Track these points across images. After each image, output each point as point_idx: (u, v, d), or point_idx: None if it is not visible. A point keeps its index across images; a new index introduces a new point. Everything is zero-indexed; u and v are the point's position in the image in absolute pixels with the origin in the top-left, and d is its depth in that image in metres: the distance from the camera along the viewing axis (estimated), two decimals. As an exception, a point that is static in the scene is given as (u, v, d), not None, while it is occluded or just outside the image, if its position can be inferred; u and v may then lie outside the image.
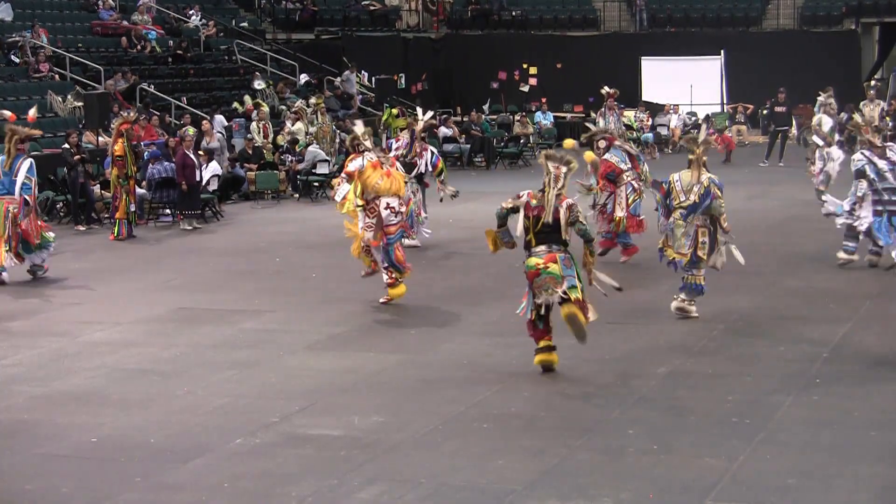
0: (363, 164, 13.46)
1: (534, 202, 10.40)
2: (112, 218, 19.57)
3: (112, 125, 21.23)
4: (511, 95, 37.84)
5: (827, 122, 21.85)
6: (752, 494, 7.63)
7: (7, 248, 15.39)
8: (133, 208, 19.39)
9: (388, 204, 13.33)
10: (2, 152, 15.93)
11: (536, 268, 10.34)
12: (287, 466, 8.25)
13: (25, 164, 15.65)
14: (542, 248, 10.37)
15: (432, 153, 17.86)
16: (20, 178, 15.52)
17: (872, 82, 32.30)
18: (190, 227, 20.10)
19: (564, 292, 10.30)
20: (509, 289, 11.79)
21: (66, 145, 21.14)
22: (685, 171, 12.56)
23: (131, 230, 19.29)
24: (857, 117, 17.40)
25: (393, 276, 13.44)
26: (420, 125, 17.75)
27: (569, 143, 10.80)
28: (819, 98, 25.74)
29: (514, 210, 10.50)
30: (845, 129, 23.84)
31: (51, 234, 15.99)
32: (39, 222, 15.88)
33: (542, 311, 10.46)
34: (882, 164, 14.62)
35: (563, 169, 10.40)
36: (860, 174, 14.78)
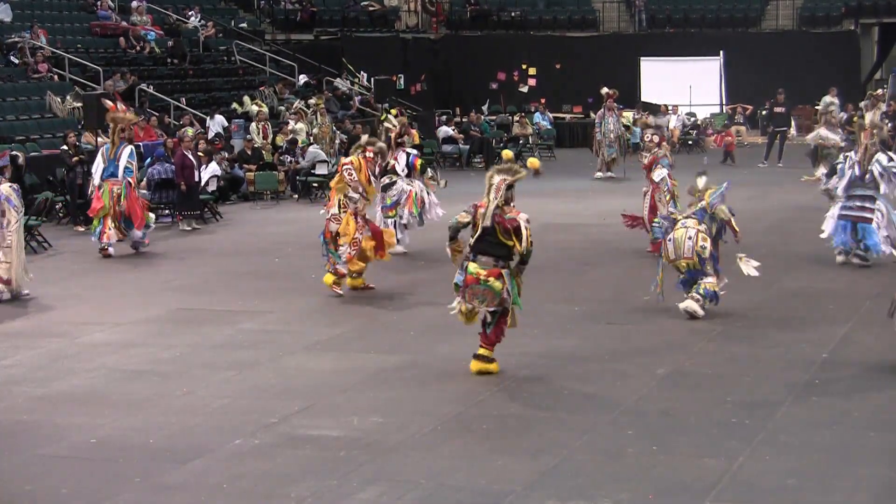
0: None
1: (481, 210, 10.42)
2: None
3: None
4: (510, 96, 37.84)
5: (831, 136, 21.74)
6: (752, 495, 7.63)
7: (113, 225, 17.21)
8: None
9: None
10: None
11: (477, 276, 10.37)
12: (286, 467, 8.25)
13: (126, 151, 17.47)
14: (489, 259, 10.39)
15: (407, 154, 17.28)
16: (122, 163, 17.36)
17: (880, 91, 32.26)
18: (189, 228, 20.09)
19: (492, 313, 10.48)
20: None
21: (65, 146, 21.13)
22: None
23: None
24: (865, 118, 17.74)
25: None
26: (396, 131, 17.50)
27: (533, 162, 11.22)
28: (823, 103, 25.69)
29: (468, 224, 10.50)
30: (844, 128, 23.85)
31: (151, 215, 18.12)
32: (142, 202, 17.81)
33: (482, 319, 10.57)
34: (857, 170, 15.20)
35: (508, 179, 10.39)
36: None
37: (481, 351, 10.54)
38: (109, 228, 17.20)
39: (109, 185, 17.30)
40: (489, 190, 10.42)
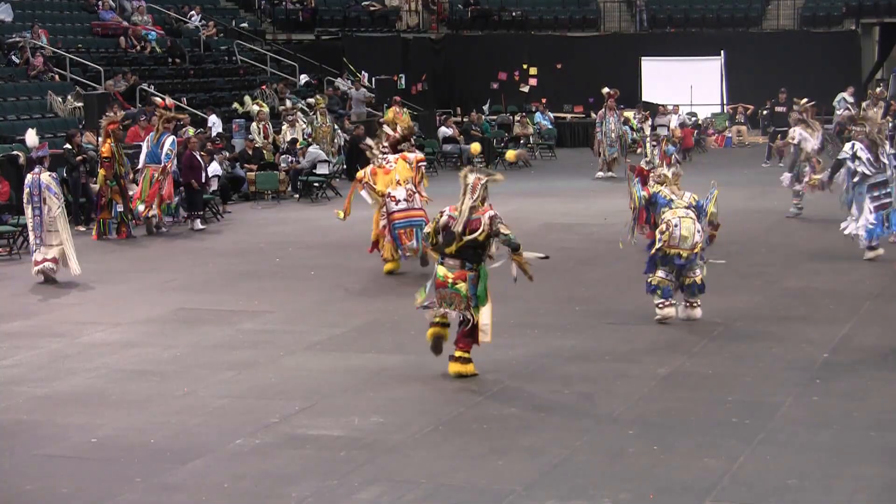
0: (367, 173, 15.43)
1: (455, 214, 10.35)
2: (97, 217, 19.45)
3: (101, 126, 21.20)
4: (511, 96, 37.82)
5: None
6: (752, 494, 7.63)
7: (154, 204, 19.42)
8: (121, 209, 19.25)
9: (389, 194, 15.07)
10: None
11: (445, 279, 10.35)
12: (287, 467, 8.26)
13: (168, 140, 19.67)
14: (456, 262, 10.35)
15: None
16: (165, 149, 19.45)
17: (879, 89, 32.27)
18: (198, 228, 20.06)
19: (464, 315, 10.31)
20: (509, 289, 11.76)
21: (68, 146, 21.09)
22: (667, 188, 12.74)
23: (130, 231, 19.26)
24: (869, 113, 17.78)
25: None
26: (394, 137, 16.75)
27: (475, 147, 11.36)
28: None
29: (441, 230, 10.42)
30: (847, 128, 23.85)
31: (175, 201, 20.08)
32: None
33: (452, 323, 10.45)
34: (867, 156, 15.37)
35: (483, 179, 10.32)
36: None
37: (458, 353, 10.43)
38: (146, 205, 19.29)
39: (150, 171, 19.42)
40: (465, 190, 10.38)
